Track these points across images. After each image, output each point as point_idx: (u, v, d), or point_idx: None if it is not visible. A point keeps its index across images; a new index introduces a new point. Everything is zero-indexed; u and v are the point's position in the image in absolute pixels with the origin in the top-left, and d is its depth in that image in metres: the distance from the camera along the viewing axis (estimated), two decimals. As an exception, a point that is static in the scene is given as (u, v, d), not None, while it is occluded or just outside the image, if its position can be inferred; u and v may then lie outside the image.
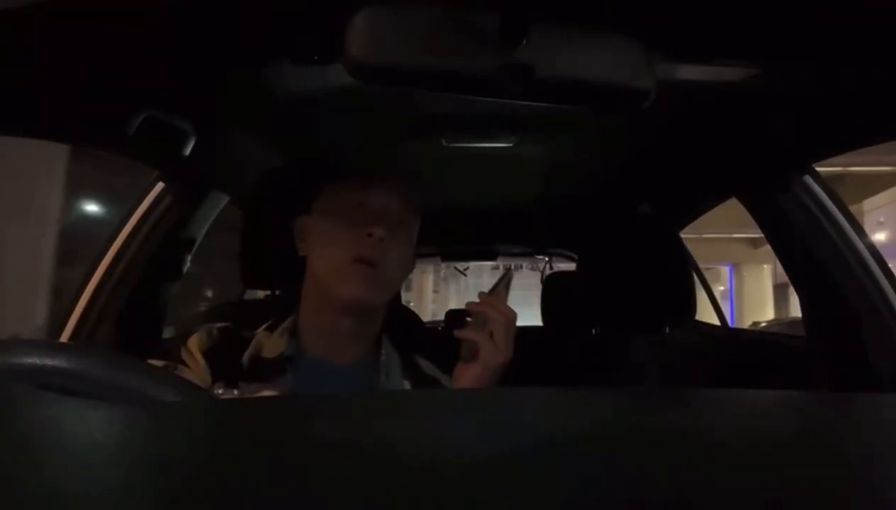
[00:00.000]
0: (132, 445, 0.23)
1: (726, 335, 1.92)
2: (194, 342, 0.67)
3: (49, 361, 0.34)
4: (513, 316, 0.66)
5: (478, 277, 6.83)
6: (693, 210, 1.53)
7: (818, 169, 0.95)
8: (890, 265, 0.93)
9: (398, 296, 1.49)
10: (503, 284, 0.69)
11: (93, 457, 0.21)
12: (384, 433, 0.24)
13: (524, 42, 0.54)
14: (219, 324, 0.70)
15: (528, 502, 0.17)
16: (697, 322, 2.01)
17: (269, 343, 0.69)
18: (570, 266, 2.49)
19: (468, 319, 0.66)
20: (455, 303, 7.09)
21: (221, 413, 0.30)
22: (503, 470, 0.19)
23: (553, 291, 1.46)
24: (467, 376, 0.65)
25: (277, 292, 1.21)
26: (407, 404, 0.32)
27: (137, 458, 0.21)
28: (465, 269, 5.32)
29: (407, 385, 0.72)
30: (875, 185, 10.39)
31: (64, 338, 1.07)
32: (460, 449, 0.21)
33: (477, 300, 0.67)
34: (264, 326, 0.72)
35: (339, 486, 0.18)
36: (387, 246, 0.66)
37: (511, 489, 0.17)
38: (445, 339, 0.69)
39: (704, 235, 10.33)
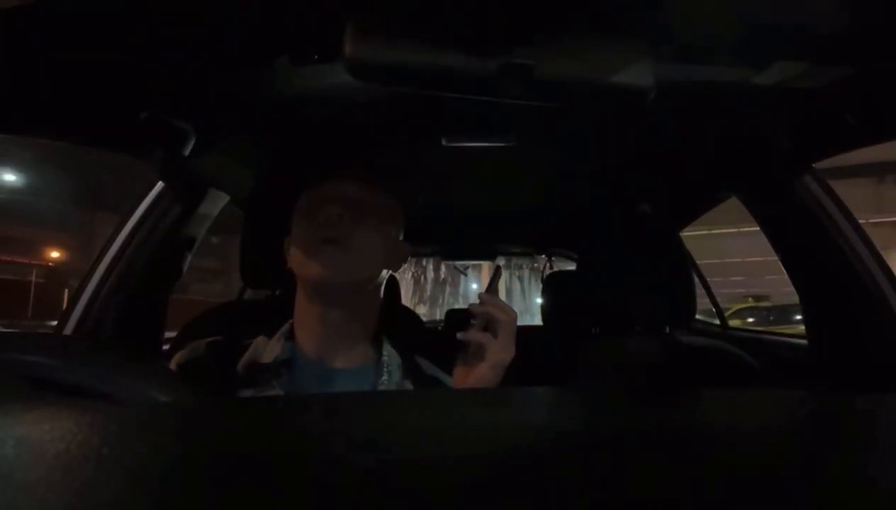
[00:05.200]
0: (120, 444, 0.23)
1: (726, 335, 1.92)
2: (177, 359, 0.70)
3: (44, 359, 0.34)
4: (514, 314, 0.65)
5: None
6: (693, 210, 1.53)
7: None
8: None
9: (396, 296, 1.49)
10: (496, 281, 0.70)
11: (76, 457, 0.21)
12: (385, 431, 0.24)
13: (524, 42, 0.54)
14: (209, 339, 0.72)
15: (528, 501, 0.17)
16: (697, 321, 2.02)
17: (266, 349, 0.70)
18: (571, 265, 2.50)
19: (472, 322, 0.65)
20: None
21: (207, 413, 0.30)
22: (504, 469, 0.19)
23: (553, 291, 1.46)
24: (472, 377, 0.64)
25: (277, 292, 1.21)
26: (410, 403, 0.32)
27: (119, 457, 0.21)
28: (466, 269, 5.33)
29: (409, 385, 0.72)
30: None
31: (64, 338, 1.08)
32: (463, 447, 0.21)
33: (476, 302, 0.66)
34: (263, 334, 0.72)
35: (338, 484, 0.18)
36: (348, 223, 0.67)
37: (513, 487, 0.17)
38: (446, 339, 0.69)
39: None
